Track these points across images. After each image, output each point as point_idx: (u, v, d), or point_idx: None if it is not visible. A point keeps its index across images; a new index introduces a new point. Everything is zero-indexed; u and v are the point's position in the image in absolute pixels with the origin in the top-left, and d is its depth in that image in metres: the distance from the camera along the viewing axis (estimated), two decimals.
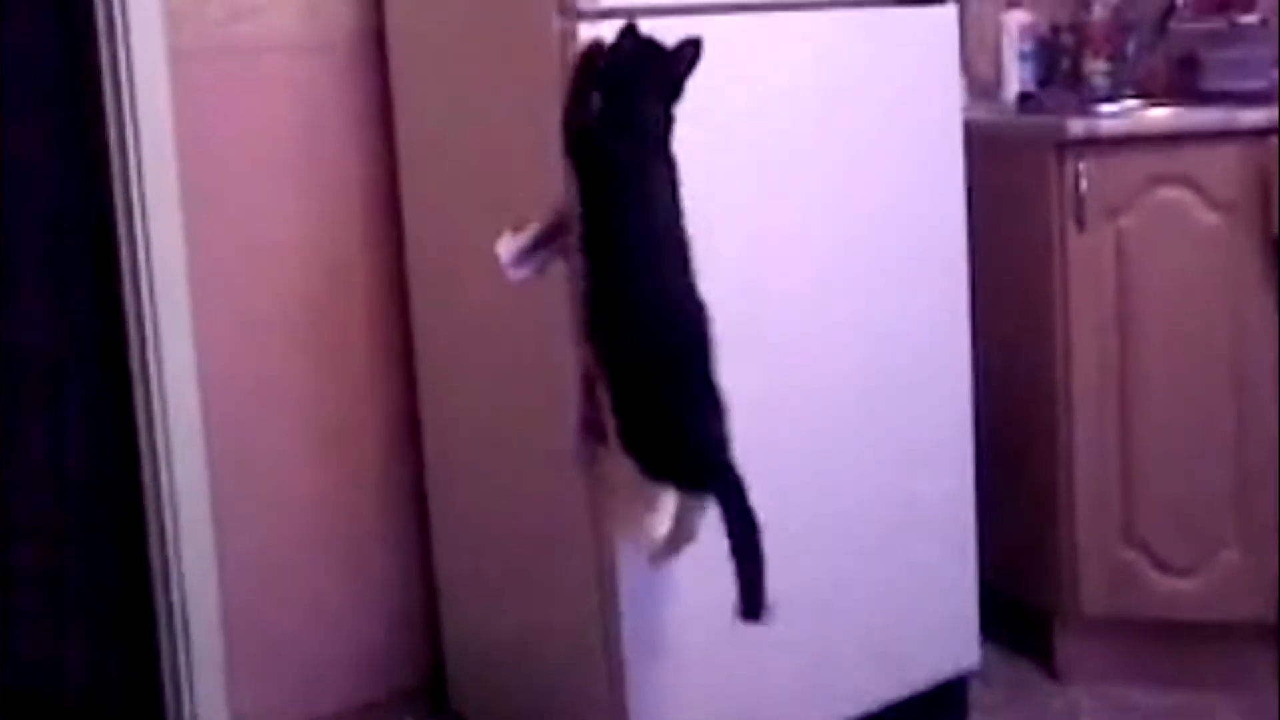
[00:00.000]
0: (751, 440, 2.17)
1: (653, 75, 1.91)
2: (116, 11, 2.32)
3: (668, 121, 1.92)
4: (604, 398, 1.92)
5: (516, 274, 1.96)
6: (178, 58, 2.37)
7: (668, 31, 1.98)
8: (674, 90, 1.92)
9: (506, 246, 1.97)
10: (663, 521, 1.95)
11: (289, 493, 2.50)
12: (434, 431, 2.55)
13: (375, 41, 2.50)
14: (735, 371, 2.15)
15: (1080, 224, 2.48)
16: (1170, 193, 2.47)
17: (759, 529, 1.89)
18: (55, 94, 2.52)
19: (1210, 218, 2.46)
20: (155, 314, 2.37)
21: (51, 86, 2.51)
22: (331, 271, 2.52)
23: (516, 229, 2.00)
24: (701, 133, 2.00)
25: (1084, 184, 2.47)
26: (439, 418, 2.53)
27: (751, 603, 1.87)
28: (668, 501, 1.94)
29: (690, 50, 1.93)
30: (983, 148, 2.50)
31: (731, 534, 1.87)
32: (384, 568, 2.60)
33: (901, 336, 2.33)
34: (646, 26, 1.99)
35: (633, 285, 1.87)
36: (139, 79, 2.34)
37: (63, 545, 2.63)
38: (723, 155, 2.11)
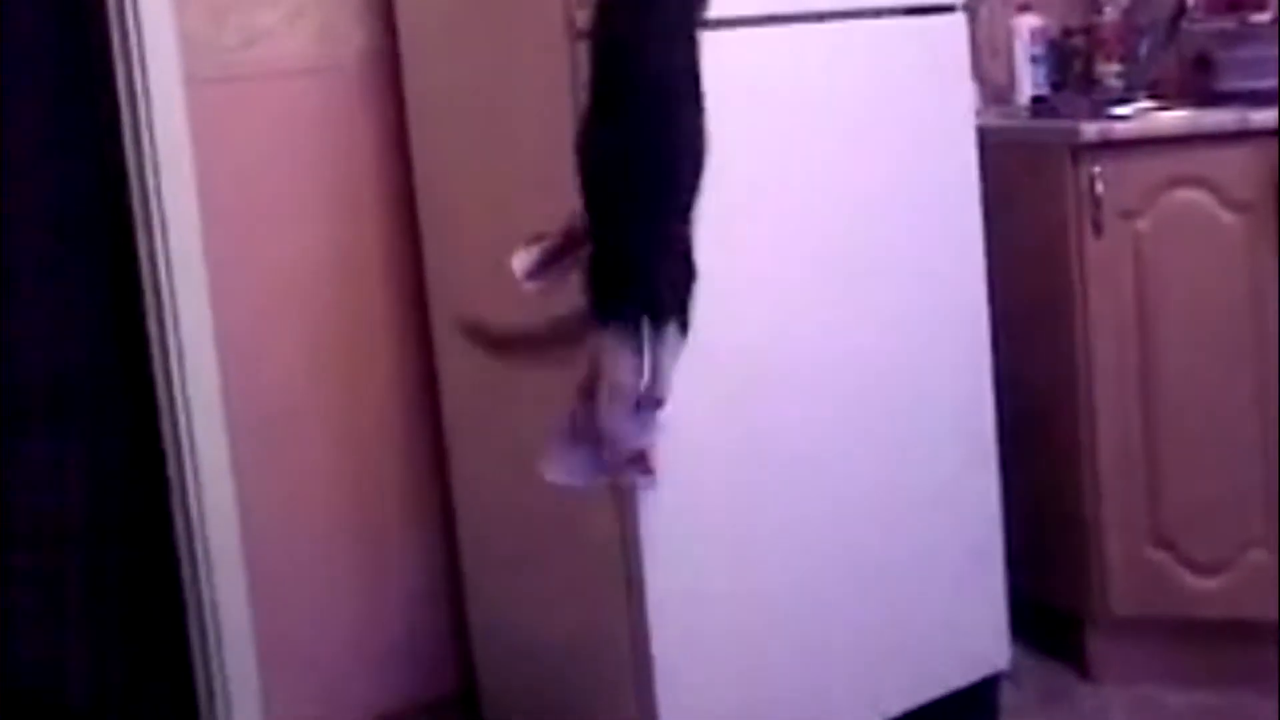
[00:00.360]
0: (777, 446, 2.19)
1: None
2: (132, 40, 2.35)
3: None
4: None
5: (532, 286, 1.95)
6: (193, 84, 2.39)
7: None
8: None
9: (521, 260, 1.97)
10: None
11: (315, 506, 2.52)
12: (459, 446, 2.56)
13: (389, 62, 2.52)
14: (756, 381, 2.17)
15: (1097, 228, 2.48)
16: (1186, 194, 2.47)
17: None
18: (73, 122, 2.54)
19: (1227, 218, 2.46)
20: (178, 338, 2.38)
21: (69, 115, 2.53)
22: (352, 293, 2.53)
23: (531, 242, 2.00)
24: (716, 145, 2.01)
25: (1099, 187, 2.47)
26: (463, 432, 2.54)
27: None
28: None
29: None
30: (997, 153, 2.50)
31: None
32: (412, 579, 2.61)
33: (921, 343, 2.34)
34: None
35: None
36: (156, 107, 2.37)
37: (99, 562, 2.64)
38: (737, 166, 2.11)
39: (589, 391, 1.85)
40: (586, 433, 1.86)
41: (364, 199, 2.54)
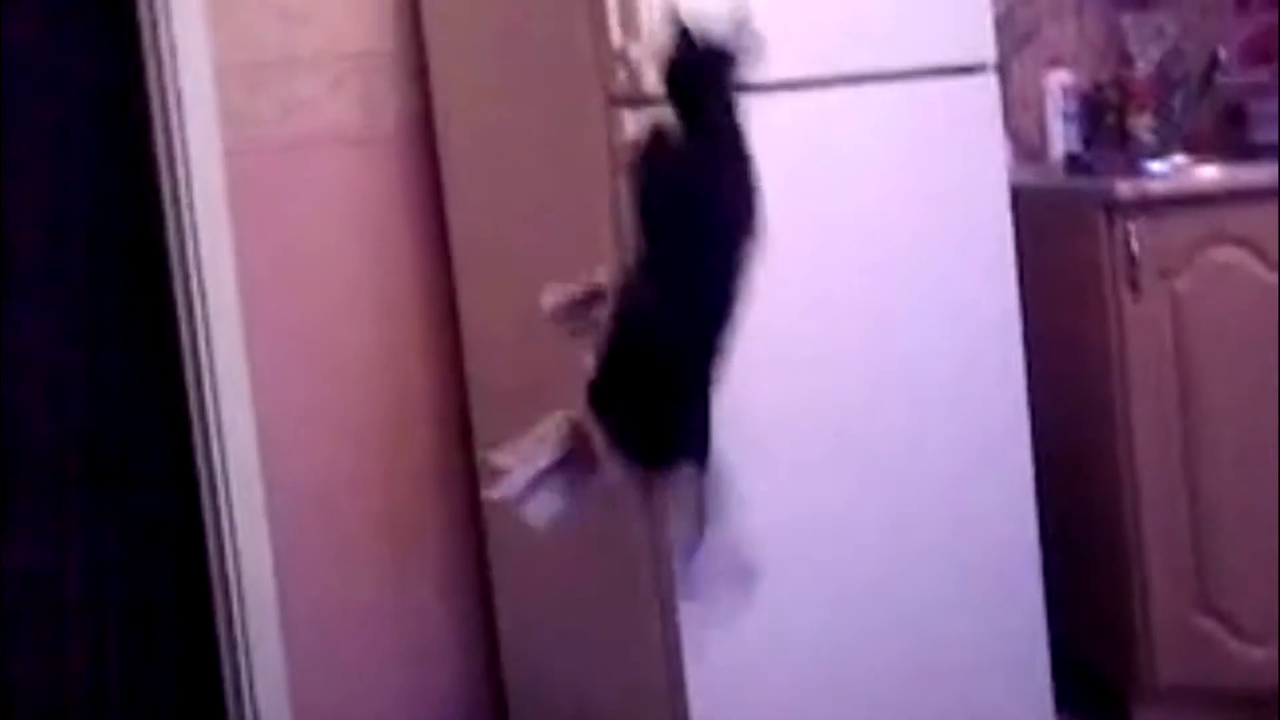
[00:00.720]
0: (820, 513, 2.18)
1: (715, 76, 1.90)
2: (173, 114, 2.38)
3: (733, 115, 1.91)
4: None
5: (552, 318, 1.99)
6: (232, 155, 2.42)
7: None
8: (735, 86, 1.91)
9: (549, 297, 2.01)
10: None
11: (353, 588, 2.52)
12: (496, 523, 2.55)
13: (425, 128, 2.54)
14: (794, 444, 2.16)
15: (1134, 288, 2.46)
16: (1225, 252, 2.45)
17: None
18: (114, 195, 2.57)
19: (1268, 276, 2.43)
20: (218, 410, 2.41)
21: (110, 185, 2.56)
22: (390, 361, 2.55)
23: (561, 285, 2.03)
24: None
25: (1135, 246, 2.45)
26: (501, 510, 2.52)
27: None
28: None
29: (746, 40, 1.90)
30: (1031, 212, 2.49)
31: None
32: (453, 657, 2.60)
33: (957, 406, 2.32)
34: None
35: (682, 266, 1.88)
36: (195, 177, 2.40)
37: (139, 639, 2.65)
38: (772, 227, 2.11)
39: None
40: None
41: (401, 265, 2.56)
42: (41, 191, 2.53)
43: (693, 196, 1.89)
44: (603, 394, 1.91)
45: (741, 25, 1.90)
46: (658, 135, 1.90)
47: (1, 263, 2.54)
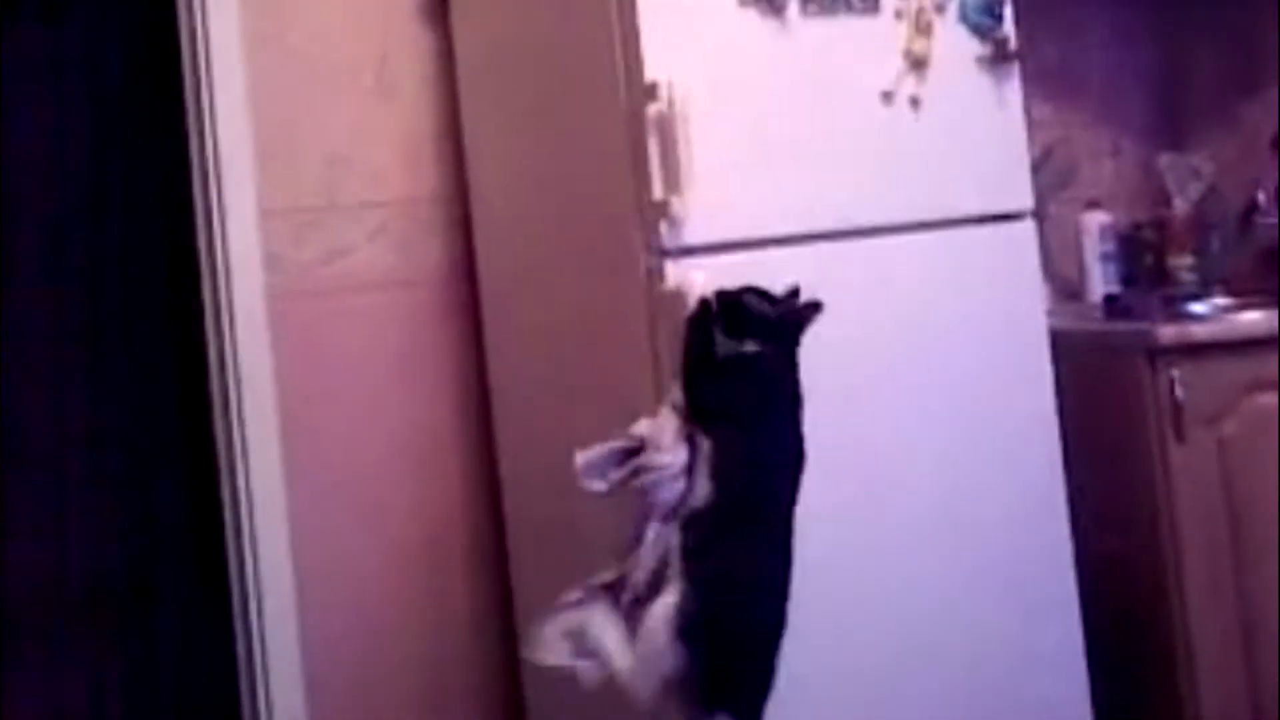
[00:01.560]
0: (860, 647, 2.14)
1: (780, 333, 1.98)
2: (219, 256, 2.42)
3: (794, 373, 1.98)
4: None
5: (589, 484, 1.98)
6: (275, 298, 2.45)
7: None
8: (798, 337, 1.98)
9: (583, 456, 2.00)
10: None
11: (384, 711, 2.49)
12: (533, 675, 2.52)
13: (465, 274, 2.56)
14: (842, 586, 2.12)
15: (1179, 434, 2.43)
16: (1270, 398, 2.43)
17: None
18: (159, 337, 2.62)
19: None
20: (255, 547, 2.40)
21: (156, 332, 2.61)
22: (428, 502, 2.54)
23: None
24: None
25: (1179, 392, 2.43)
26: None
27: None
28: None
29: (813, 309, 1.98)
30: (1071, 355, 2.48)
31: None
32: None
33: (1004, 557, 2.29)
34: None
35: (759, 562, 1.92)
36: (239, 322, 2.43)
37: None
38: (815, 380, 2.10)
39: (614, 591, 1.92)
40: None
41: (440, 406, 2.56)
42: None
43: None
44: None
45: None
46: (740, 357, 1.95)
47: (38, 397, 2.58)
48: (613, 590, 1.94)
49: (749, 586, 1.92)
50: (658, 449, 1.93)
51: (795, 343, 1.97)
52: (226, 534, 2.43)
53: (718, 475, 1.92)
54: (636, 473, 1.94)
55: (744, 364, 1.95)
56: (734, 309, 1.96)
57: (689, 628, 1.87)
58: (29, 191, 2.63)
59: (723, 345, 1.95)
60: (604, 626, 1.91)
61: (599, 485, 1.97)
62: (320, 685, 2.43)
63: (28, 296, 2.66)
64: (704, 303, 1.99)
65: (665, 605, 1.87)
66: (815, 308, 1.98)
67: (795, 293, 1.97)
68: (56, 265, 2.67)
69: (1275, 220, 2.86)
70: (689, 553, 1.90)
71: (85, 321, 2.69)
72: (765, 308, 1.96)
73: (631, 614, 1.91)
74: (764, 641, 1.91)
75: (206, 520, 2.52)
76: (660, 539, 1.91)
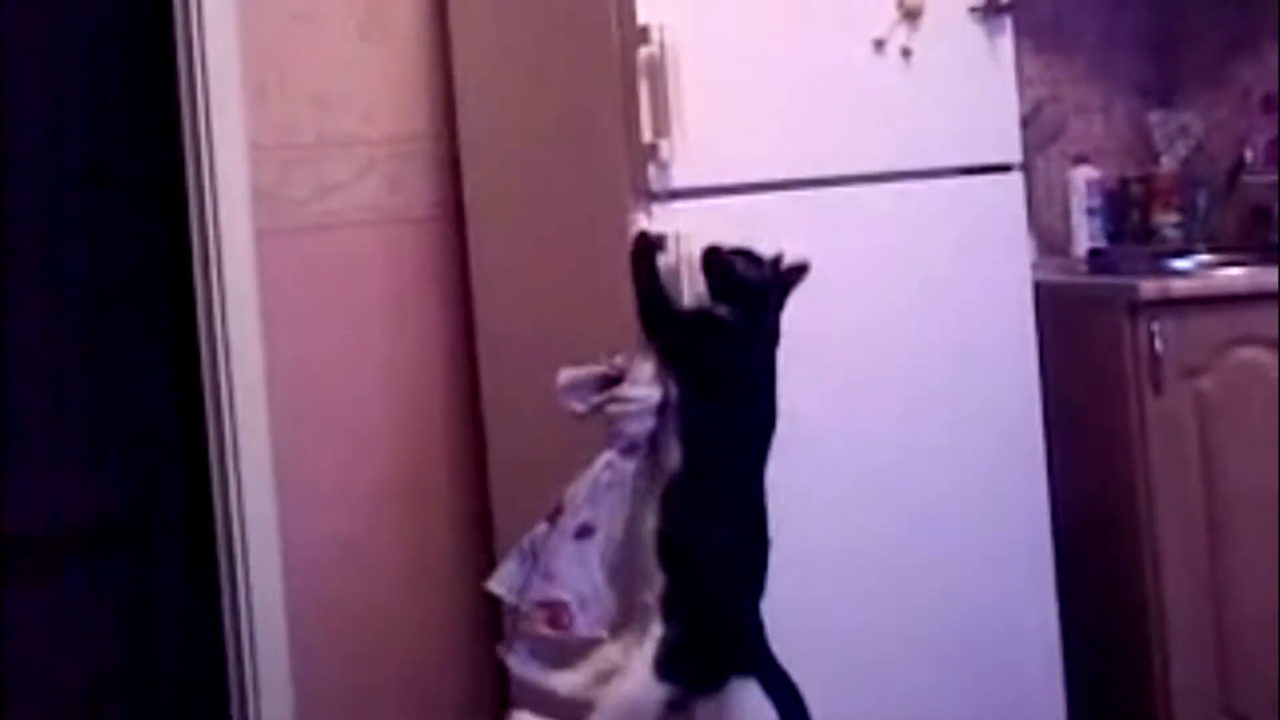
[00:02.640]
0: (835, 601, 2.17)
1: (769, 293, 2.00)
2: (207, 193, 2.42)
3: (773, 341, 2.01)
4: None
5: (566, 402, 2.02)
6: (263, 233, 2.45)
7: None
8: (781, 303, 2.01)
9: (565, 375, 2.04)
10: None
11: (370, 659, 2.52)
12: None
13: (453, 214, 2.57)
14: (809, 539, 2.15)
15: (1157, 387, 2.46)
16: (1249, 353, 2.45)
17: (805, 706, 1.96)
18: (148, 270, 2.63)
19: None
20: (240, 487, 2.42)
21: (146, 265, 2.62)
22: (412, 436, 2.56)
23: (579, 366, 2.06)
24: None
25: (1159, 345, 2.45)
26: None
27: None
28: None
29: (798, 273, 2.01)
30: (1054, 308, 2.49)
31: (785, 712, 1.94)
32: None
33: (979, 502, 2.32)
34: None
35: (729, 477, 1.95)
36: (227, 256, 2.43)
37: None
38: (797, 324, 2.12)
39: (553, 517, 1.96)
40: (531, 555, 1.97)
41: (426, 343, 2.58)
42: (53, 265, 2.57)
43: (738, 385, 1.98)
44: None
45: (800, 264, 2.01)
46: (708, 318, 1.98)
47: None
48: (555, 517, 1.98)
49: (727, 566, 1.96)
50: (634, 383, 1.96)
51: (779, 307, 1.99)
52: (211, 467, 2.44)
53: (687, 438, 1.94)
54: (612, 401, 1.98)
55: (713, 325, 1.97)
56: (722, 270, 1.97)
57: (670, 658, 1.91)
58: (22, 139, 2.66)
59: (711, 307, 1.97)
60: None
61: (577, 406, 2.02)
62: (302, 619, 2.45)
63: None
64: (642, 236, 2.01)
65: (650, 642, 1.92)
66: (801, 271, 1.99)
67: (779, 260, 1.99)
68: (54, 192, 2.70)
69: (1261, 178, 2.87)
70: (665, 539, 1.94)
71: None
72: (752, 273, 1.97)
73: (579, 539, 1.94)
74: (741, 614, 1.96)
75: (195, 458, 2.53)
76: (609, 468, 1.95)
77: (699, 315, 1.99)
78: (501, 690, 2.56)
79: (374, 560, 2.53)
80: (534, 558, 1.96)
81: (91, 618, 2.69)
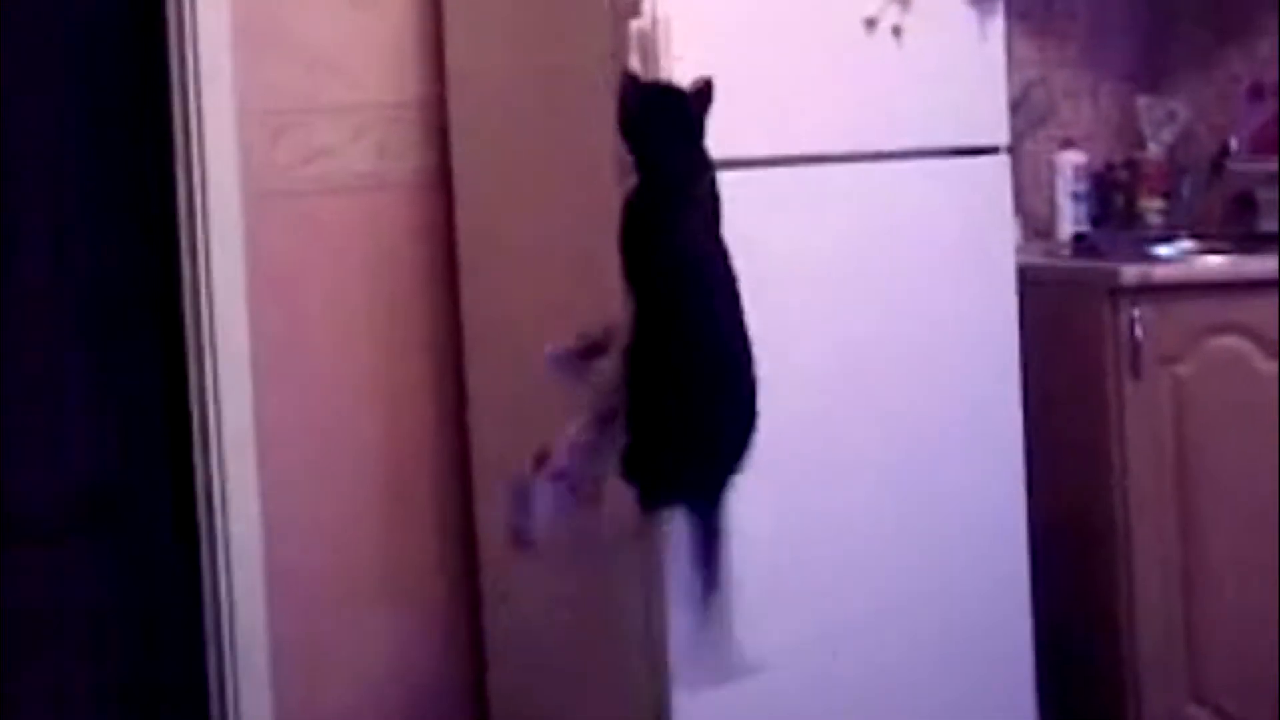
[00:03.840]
0: (808, 586, 2.19)
1: (671, 119, 2.01)
2: (195, 158, 2.42)
3: (698, 163, 2.01)
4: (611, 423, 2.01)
5: (552, 371, 2.10)
6: (250, 199, 2.45)
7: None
8: (697, 131, 2.01)
9: (551, 349, 2.10)
10: None
11: (354, 642, 2.54)
12: (491, 576, 2.57)
13: (443, 184, 2.57)
14: (781, 515, 2.17)
15: (1135, 372, 2.48)
16: (1227, 341, 2.47)
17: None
18: (130, 230, 2.62)
19: (1268, 367, 2.45)
20: (222, 461, 2.43)
21: (126, 225, 2.61)
22: (396, 400, 2.57)
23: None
24: (760, 279, 2.05)
25: (1139, 331, 2.47)
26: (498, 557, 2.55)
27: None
28: None
29: (705, 88, 2.01)
30: (1036, 291, 2.51)
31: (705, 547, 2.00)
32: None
33: (954, 483, 2.33)
34: None
35: (686, 301, 1.98)
36: (213, 219, 2.43)
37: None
38: (780, 301, 2.14)
39: (538, 461, 2.05)
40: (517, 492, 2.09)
41: (413, 312, 2.58)
42: (54, 232, 2.57)
43: (659, 245, 1.99)
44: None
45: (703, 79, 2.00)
46: (628, 196, 2.00)
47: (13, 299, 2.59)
48: (539, 462, 2.05)
49: (676, 383, 1.97)
50: (610, 357, 2.01)
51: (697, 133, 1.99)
52: (194, 433, 2.45)
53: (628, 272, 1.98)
54: (592, 373, 2.03)
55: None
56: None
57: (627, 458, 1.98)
58: (16, 113, 2.65)
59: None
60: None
61: (557, 372, 2.08)
62: (282, 594, 2.47)
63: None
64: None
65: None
66: (707, 87, 1.99)
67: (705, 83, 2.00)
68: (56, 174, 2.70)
69: (1247, 167, 2.89)
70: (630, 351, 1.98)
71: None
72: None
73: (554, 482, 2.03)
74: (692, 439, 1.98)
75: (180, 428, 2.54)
76: (582, 430, 2.03)
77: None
78: (480, 699, 2.59)
79: (356, 532, 2.53)
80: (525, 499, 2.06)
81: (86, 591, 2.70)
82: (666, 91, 2.01)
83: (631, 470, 2.00)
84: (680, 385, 1.96)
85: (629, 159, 2.01)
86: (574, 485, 2.04)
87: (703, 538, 2.00)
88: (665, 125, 1.99)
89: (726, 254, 2.01)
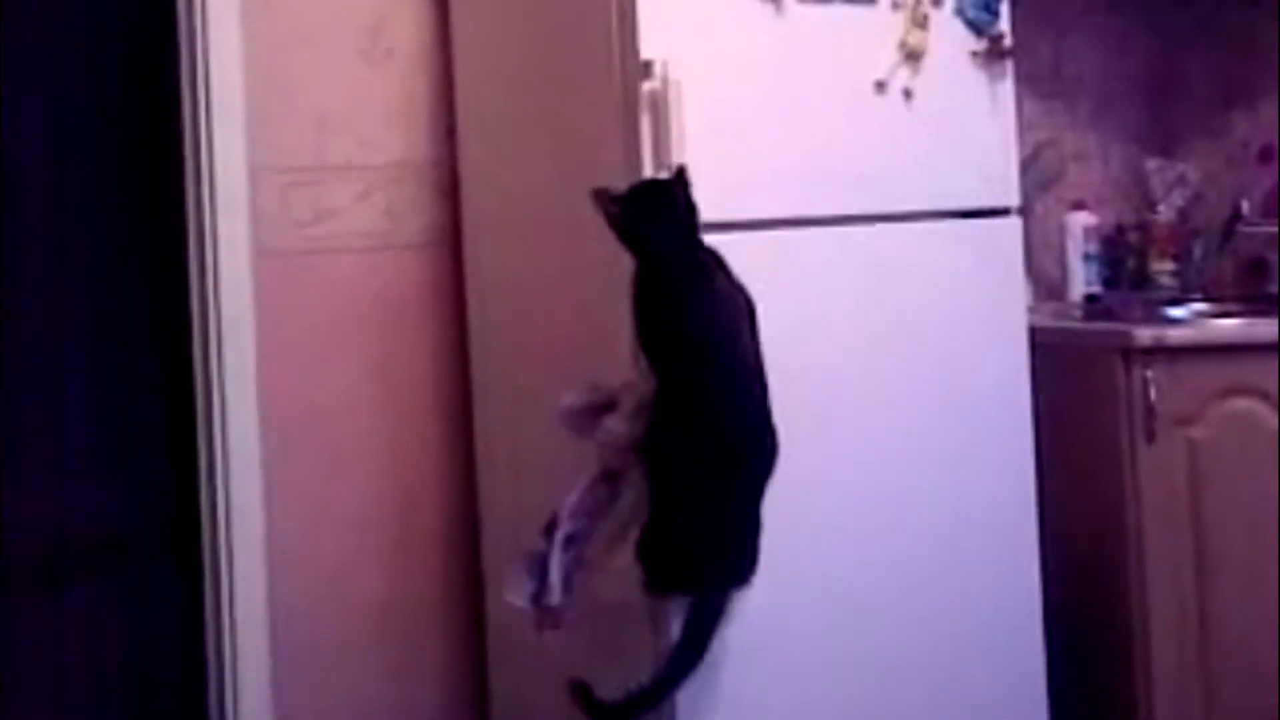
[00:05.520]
0: (820, 649, 2.16)
1: (662, 208, 2.02)
2: (206, 215, 2.42)
3: (694, 241, 2.02)
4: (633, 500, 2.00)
5: (563, 422, 2.09)
6: (262, 256, 2.45)
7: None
8: (687, 210, 2.03)
9: (567, 397, 2.10)
10: None
11: (351, 677, 2.51)
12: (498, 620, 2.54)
13: (452, 245, 2.57)
14: (801, 576, 2.14)
15: (1150, 435, 2.46)
16: (1242, 404, 2.46)
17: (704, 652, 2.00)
18: (140, 289, 2.63)
19: None
20: (228, 501, 2.41)
21: (138, 285, 2.62)
22: (402, 463, 2.55)
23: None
24: (771, 341, 2.03)
25: (1153, 393, 2.45)
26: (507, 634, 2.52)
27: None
28: None
29: (679, 171, 2.03)
30: (1049, 353, 2.50)
31: (688, 641, 1.99)
32: None
33: (968, 549, 2.31)
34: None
35: (709, 381, 1.98)
36: (224, 277, 2.43)
37: None
38: (794, 363, 2.12)
39: (549, 529, 2.03)
40: (533, 564, 2.05)
41: (421, 371, 2.57)
42: (54, 280, 2.58)
43: (675, 328, 1.99)
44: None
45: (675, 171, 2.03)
46: (636, 277, 2.01)
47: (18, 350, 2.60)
48: (550, 530, 2.04)
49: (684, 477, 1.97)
50: (617, 416, 2.00)
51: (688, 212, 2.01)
52: (200, 484, 2.44)
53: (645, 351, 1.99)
54: (600, 431, 2.03)
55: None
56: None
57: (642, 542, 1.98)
58: (26, 154, 2.67)
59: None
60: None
61: (568, 424, 2.08)
62: (287, 645, 2.44)
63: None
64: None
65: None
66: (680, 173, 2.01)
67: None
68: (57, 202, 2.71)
69: (1258, 229, 2.89)
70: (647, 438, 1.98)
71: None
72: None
73: (565, 550, 2.02)
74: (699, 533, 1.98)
75: (186, 478, 2.53)
76: (591, 490, 2.03)
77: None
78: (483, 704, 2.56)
79: (358, 569, 2.51)
80: (542, 569, 2.03)
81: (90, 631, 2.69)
82: (647, 186, 2.03)
83: (647, 553, 1.98)
84: (701, 476, 1.96)
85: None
86: (580, 550, 2.02)
87: (700, 619, 1.99)
88: (658, 215, 2.01)
89: (745, 317, 2.01)
